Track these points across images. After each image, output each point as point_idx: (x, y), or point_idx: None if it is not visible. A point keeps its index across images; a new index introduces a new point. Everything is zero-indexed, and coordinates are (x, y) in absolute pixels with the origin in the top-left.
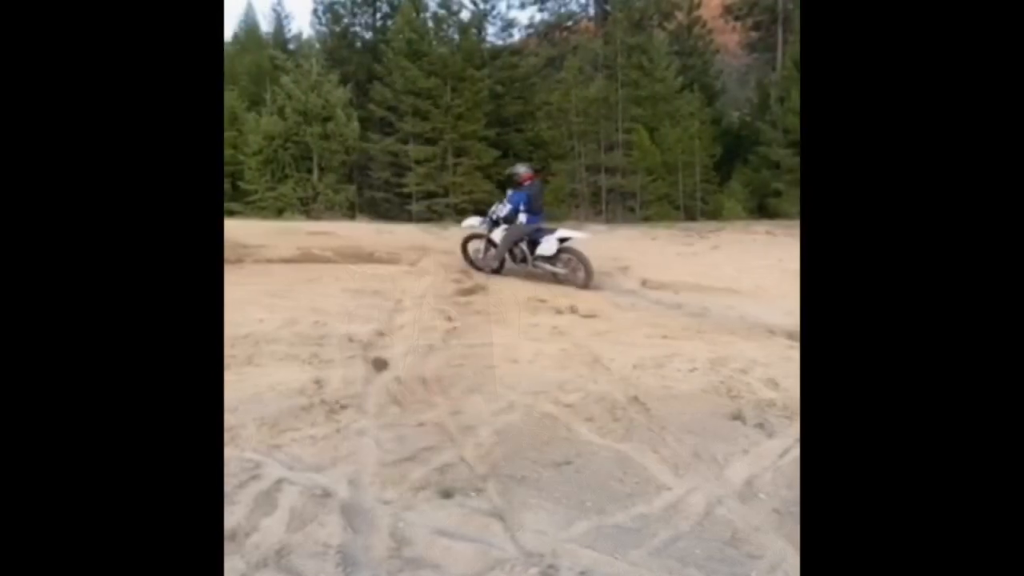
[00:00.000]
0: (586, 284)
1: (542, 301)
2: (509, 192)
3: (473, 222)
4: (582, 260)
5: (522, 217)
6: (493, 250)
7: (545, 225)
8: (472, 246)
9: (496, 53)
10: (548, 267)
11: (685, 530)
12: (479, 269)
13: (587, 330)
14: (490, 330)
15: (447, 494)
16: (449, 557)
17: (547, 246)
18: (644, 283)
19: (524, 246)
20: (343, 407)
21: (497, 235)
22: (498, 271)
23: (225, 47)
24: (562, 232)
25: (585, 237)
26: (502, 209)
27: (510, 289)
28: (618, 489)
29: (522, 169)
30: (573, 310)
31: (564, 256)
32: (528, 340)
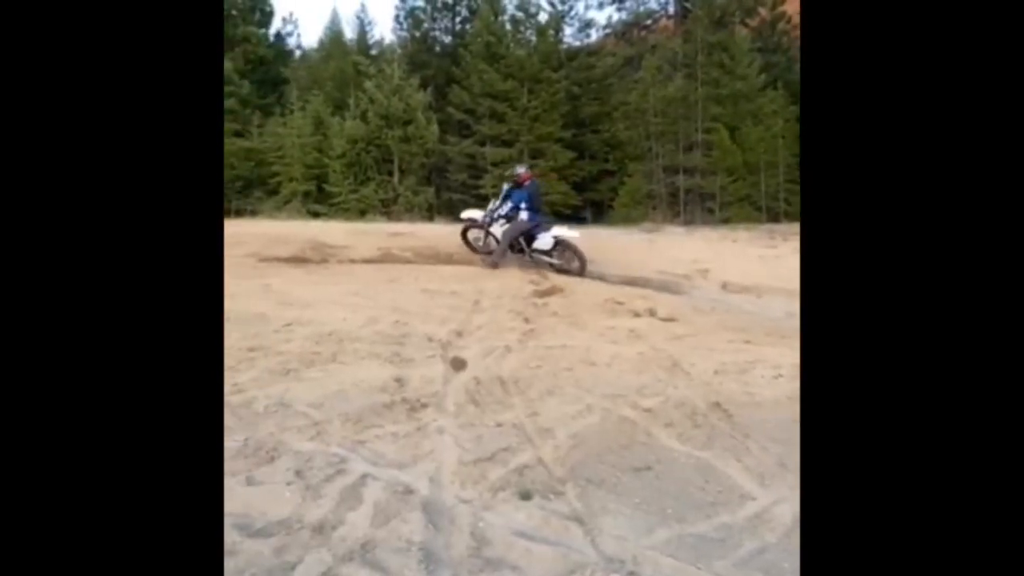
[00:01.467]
0: (581, 272)
1: (619, 303)
2: (504, 187)
3: (472, 214)
4: (576, 252)
5: (523, 214)
6: (494, 242)
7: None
8: (471, 234)
9: (573, 54)
10: (545, 258)
11: (772, 542)
12: (475, 251)
13: (666, 334)
14: (567, 332)
15: (526, 496)
16: (529, 559)
17: (544, 241)
18: (725, 286)
19: (522, 239)
20: (423, 405)
21: (496, 229)
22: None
23: (311, 54)
24: (557, 231)
25: (577, 236)
26: (504, 207)
27: (586, 291)
28: (700, 497)
29: (521, 170)
30: (651, 313)
31: (560, 249)
32: (605, 343)
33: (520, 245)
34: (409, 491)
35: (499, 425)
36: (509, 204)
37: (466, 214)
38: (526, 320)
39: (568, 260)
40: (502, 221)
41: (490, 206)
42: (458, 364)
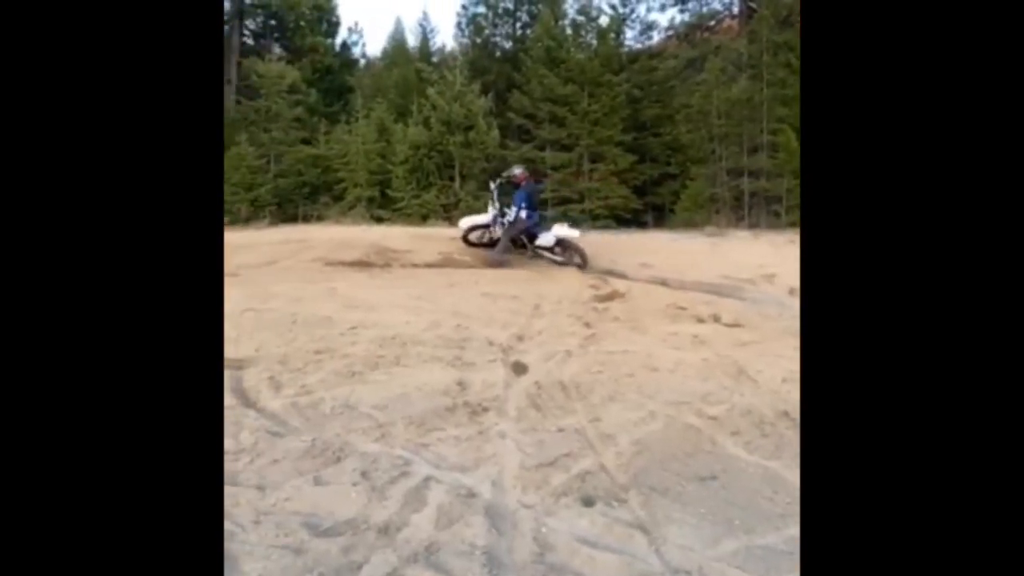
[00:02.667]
0: (583, 266)
1: (682, 309)
2: (492, 186)
3: (474, 220)
4: (576, 249)
5: (522, 213)
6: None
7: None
8: (473, 235)
9: (634, 57)
10: (547, 255)
11: None
12: (473, 246)
13: (731, 340)
14: (628, 337)
15: (588, 502)
16: (592, 566)
17: (546, 239)
18: (792, 292)
19: (523, 236)
20: (485, 409)
21: (497, 229)
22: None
23: (375, 62)
24: (558, 231)
25: (577, 235)
26: (516, 210)
27: (648, 296)
28: (768, 508)
29: (518, 171)
30: (716, 319)
31: (561, 246)
32: (668, 348)
33: (522, 241)
34: (472, 494)
35: (561, 430)
36: (514, 209)
37: (466, 222)
38: (587, 325)
39: (569, 256)
40: (506, 221)
41: (490, 208)
42: (519, 368)
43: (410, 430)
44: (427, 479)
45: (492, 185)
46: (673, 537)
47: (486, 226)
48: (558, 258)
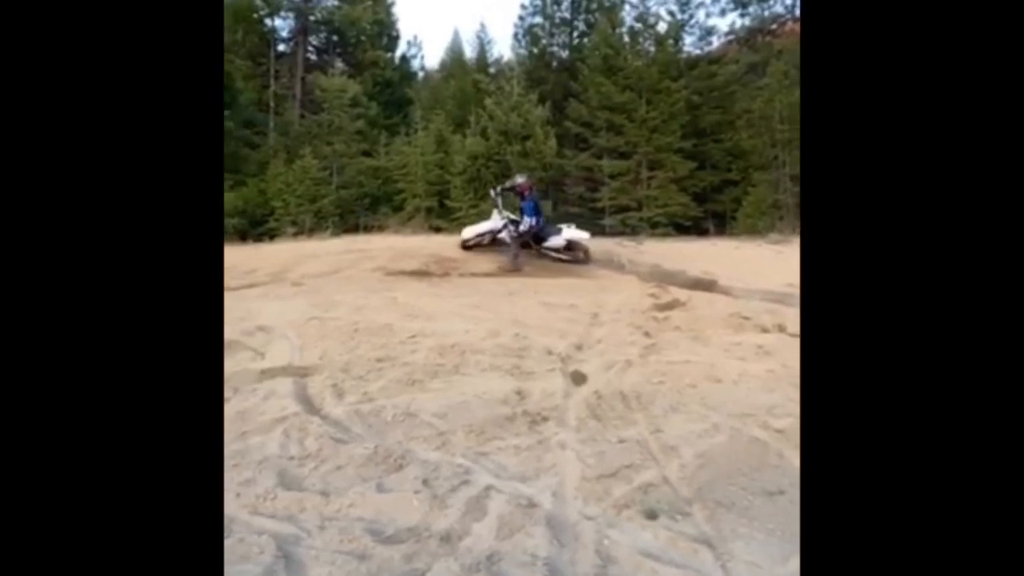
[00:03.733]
0: (587, 261)
1: (745, 318)
2: (492, 193)
3: (478, 228)
4: (582, 247)
5: (533, 220)
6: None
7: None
8: (474, 241)
9: (693, 63)
10: (554, 254)
11: None
12: (469, 249)
13: (797, 350)
14: (690, 347)
15: (651, 515)
16: None
17: (556, 242)
18: None
19: (530, 239)
20: (544, 419)
21: (505, 234)
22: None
23: (433, 74)
24: (568, 234)
25: (587, 236)
26: (526, 221)
27: (710, 305)
28: None
29: (521, 180)
30: (781, 328)
31: (570, 246)
32: (732, 359)
33: (528, 242)
34: (532, 505)
35: (622, 441)
36: (529, 219)
37: (469, 232)
38: (647, 334)
39: (575, 255)
40: (511, 226)
41: (495, 215)
42: (578, 378)
43: (470, 438)
44: (488, 488)
45: (493, 193)
46: (740, 553)
47: (493, 232)
48: (564, 256)
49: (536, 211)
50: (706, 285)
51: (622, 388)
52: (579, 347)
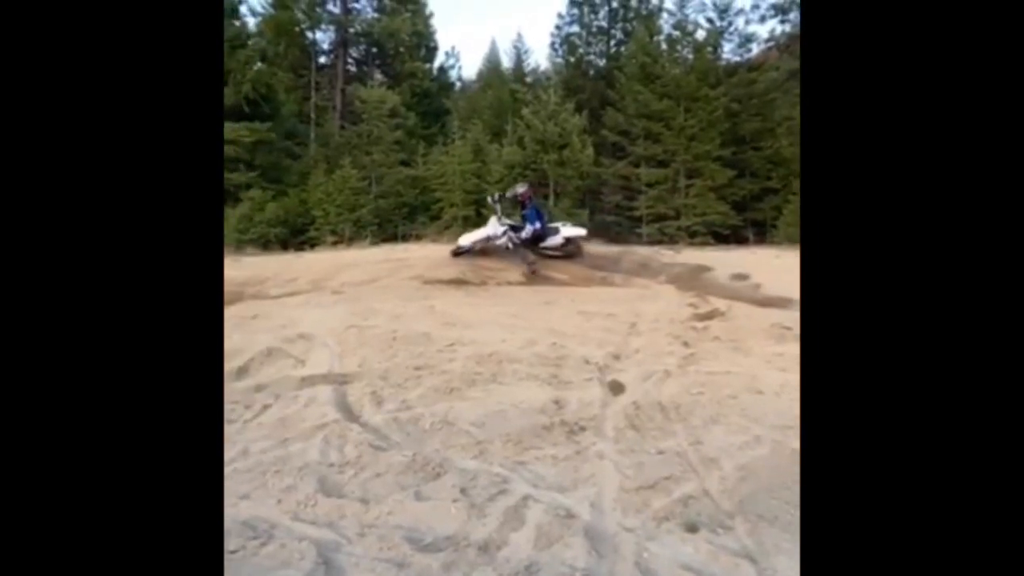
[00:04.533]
0: (579, 254)
1: (787, 328)
2: (490, 199)
3: (476, 236)
4: (575, 242)
5: (537, 225)
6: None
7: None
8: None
9: (733, 70)
10: (550, 252)
11: None
12: (459, 256)
13: None
14: (730, 358)
15: (692, 528)
16: None
17: (555, 240)
18: None
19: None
20: (582, 429)
21: (506, 240)
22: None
23: (470, 84)
24: (567, 232)
25: (583, 232)
26: (528, 228)
27: (750, 315)
28: None
29: (521, 188)
30: None
31: (567, 241)
32: (773, 370)
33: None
34: (570, 515)
35: (660, 452)
36: (531, 226)
37: (467, 240)
38: (685, 344)
39: (567, 248)
40: (512, 232)
41: (493, 221)
42: (616, 388)
43: (507, 448)
44: (525, 498)
45: (491, 200)
46: (783, 568)
47: (492, 238)
48: (556, 254)
49: (538, 216)
50: (780, 303)
51: (661, 399)
52: (617, 357)
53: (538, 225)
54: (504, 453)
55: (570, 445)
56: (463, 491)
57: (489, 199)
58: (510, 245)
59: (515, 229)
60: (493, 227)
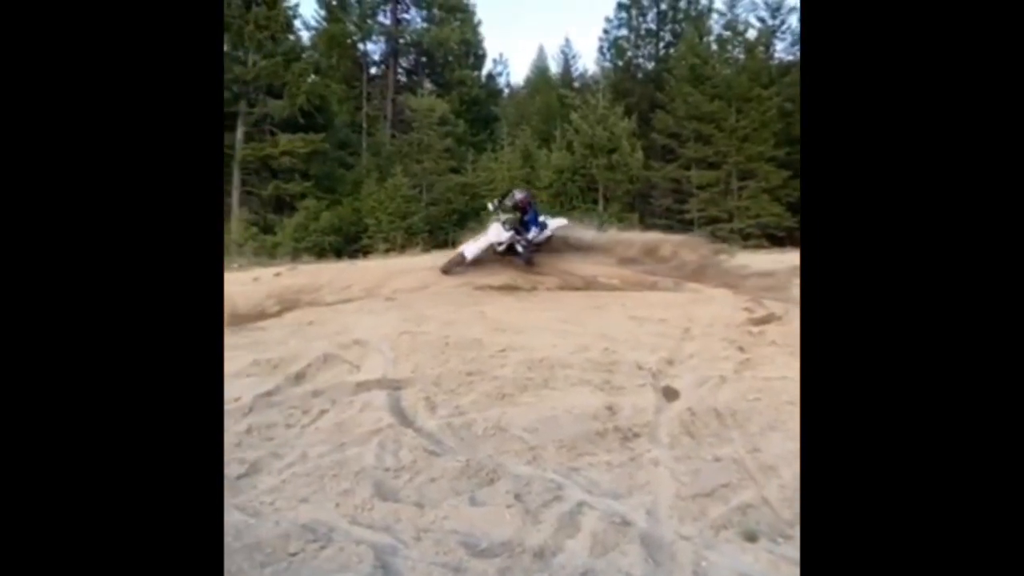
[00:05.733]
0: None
1: None
2: (490, 206)
3: (479, 244)
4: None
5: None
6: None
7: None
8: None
9: (785, 69)
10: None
11: None
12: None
13: None
14: (787, 363)
15: (751, 537)
16: None
17: (544, 235)
18: None
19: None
20: (636, 435)
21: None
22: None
23: (518, 91)
24: (552, 224)
25: (564, 222)
26: (535, 230)
27: None
28: None
29: (520, 195)
30: None
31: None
32: None
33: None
34: (626, 523)
35: (717, 459)
36: (536, 229)
37: (471, 250)
38: (741, 349)
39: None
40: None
41: (497, 227)
42: (670, 394)
43: (561, 454)
44: (580, 504)
45: (491, 207)
46: None
47: (497, 244)
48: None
49: (536, 219)
50: None
51: (716, 405)
52: (670, 362)
53: (546, 228)
54: (558, 459)
55: (624, 451)
56: (517, 496)
57: (489, 205)
58: (520, 248)
59: (517, 233)
60: (497, 233)
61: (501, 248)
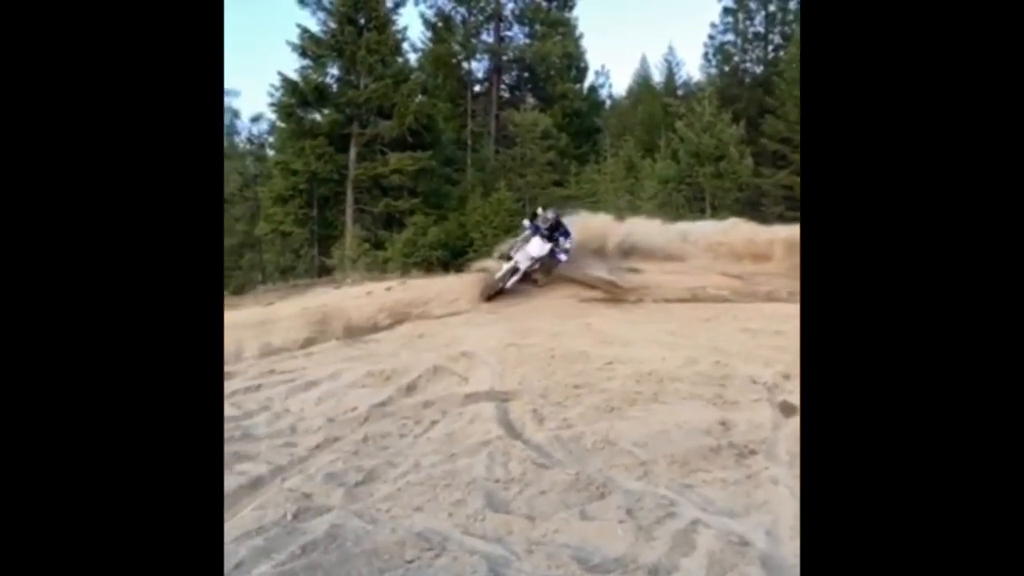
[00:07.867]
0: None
1: None
2: (527, 222)
3: (518, 263)
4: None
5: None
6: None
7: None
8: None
9: None
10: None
11: None
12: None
13: None
14: None
15: None
16: None
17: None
18: None
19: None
20: (752, 452)
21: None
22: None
23: (621, 101)
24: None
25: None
26: (570, 241)
27: None
28: None
29: (551, 215)
30: None
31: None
32: None
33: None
34: (744, 543)
35: None
36: (567, 239)
37: (523, 262)
38: None
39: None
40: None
41: (537, 241)
42: (788, 409)
43: (673, 469)
44: (694, 522)
45: (526, 223)
46: None
47: (540, 259)
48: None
49: (568, 234)
50: None
51: None
52: (787, 376)
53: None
54: (669, 475)
55: (740, 469)
56: (629, 512)
57: (525, 222)
58: (562, 257)
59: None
60: (539, 247)
61: (543, 260)
